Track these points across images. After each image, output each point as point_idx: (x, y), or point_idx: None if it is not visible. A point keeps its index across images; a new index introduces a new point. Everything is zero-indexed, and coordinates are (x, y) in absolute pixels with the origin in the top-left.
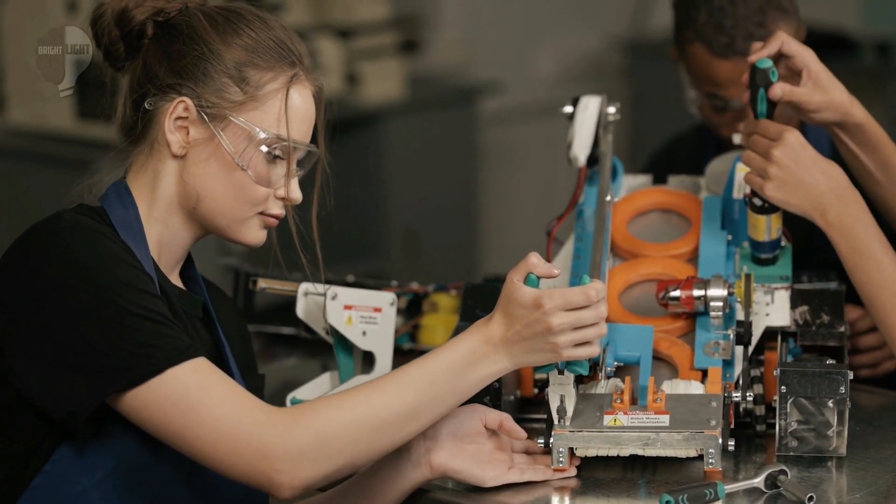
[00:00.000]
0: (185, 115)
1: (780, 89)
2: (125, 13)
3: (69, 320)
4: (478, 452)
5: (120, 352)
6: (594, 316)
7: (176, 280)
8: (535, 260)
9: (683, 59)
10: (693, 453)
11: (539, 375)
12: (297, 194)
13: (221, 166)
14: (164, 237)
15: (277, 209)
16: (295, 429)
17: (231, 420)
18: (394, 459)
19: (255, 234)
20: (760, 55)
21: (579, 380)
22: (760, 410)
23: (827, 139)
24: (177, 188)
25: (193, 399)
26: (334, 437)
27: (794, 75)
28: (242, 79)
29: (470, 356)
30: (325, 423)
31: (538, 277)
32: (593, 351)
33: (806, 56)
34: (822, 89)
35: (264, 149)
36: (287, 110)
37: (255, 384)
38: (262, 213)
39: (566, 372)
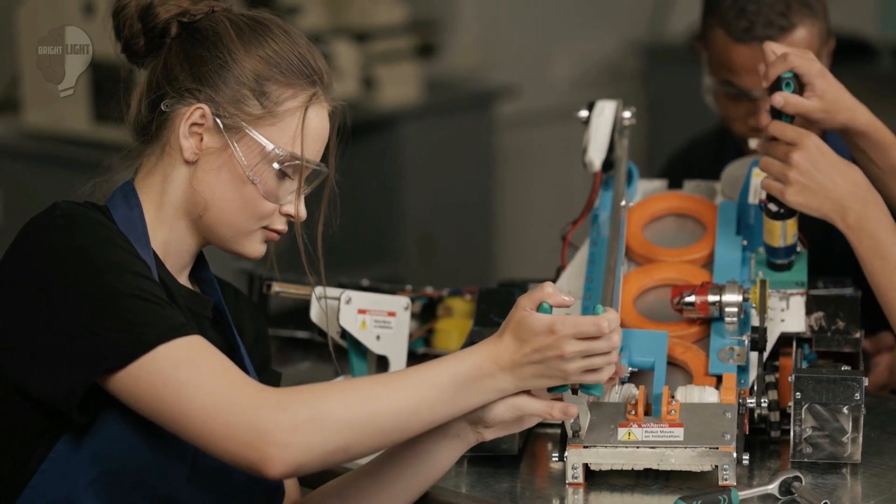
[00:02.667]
0: (201, 123)
1: (781, 98)
2: (150, 9)
3: (61, 302)
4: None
5: (111, 331)
6: (606, 346)
7: (185, 282)
8: (550, 290)
9: (705, 46)
10: (708, 468)
11: None
12: (304, 212)
13: (232, 177)
14: (170, 241)
15: (281, 225)
16: (289, 404)
17: (222, 396)
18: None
19: (255, 248)
20: (772, 76)
21: None
22: (775, 416)
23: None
24: (185, 194)
25: (184, 375)
26: (330, 415)
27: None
28: (263, 93)
29: (476, 371)
30: (321, 401)
31: (551, 306)
32: (601, 377)
33: (810, 72)
34: (826, 102)
35: (276, 165)
36: (303, 130)
37: (270, 382)
38: (265, 228)
39: (580, 392)
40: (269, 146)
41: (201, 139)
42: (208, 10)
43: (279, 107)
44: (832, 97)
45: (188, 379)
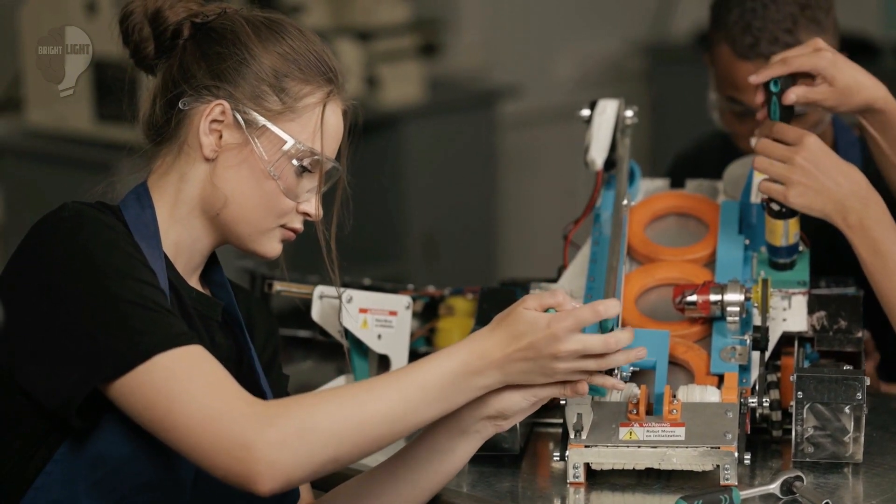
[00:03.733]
0: (221, 119)
1: (793, 94)
2: (158, 14)
3: (63, 306)
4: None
5: (110, 338)
6: (601, 346)
7: (195, 284)
8: (561, 298)
9: (712, 60)
10: (709, 468)
11: None
12: (320, 210)
13: (252, 174)
14: (182, 241)
15: (298, 223)
16: (276, 418)
17: (212, 409)
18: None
19: (272, 247)
20: (762, 77)
21: None
22: (777, 416)
23: (859, 154)
24: (202, 192)
25: (177, 387)
26: (317, 428)
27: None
28: (282, 89)
29: (462, 368)
30: (308, 414)
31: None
32: (591, 380)
33: (817, 64)
34: (839, 87)
35: (295, 162)
36: (322, 126)
37: (278, 385)
38: (282, 226)
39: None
40: (291, 141)
41: (220, 136)
42: (220, 10)
43: (298, 103)
44: (845, 82)
45: (180, 391)
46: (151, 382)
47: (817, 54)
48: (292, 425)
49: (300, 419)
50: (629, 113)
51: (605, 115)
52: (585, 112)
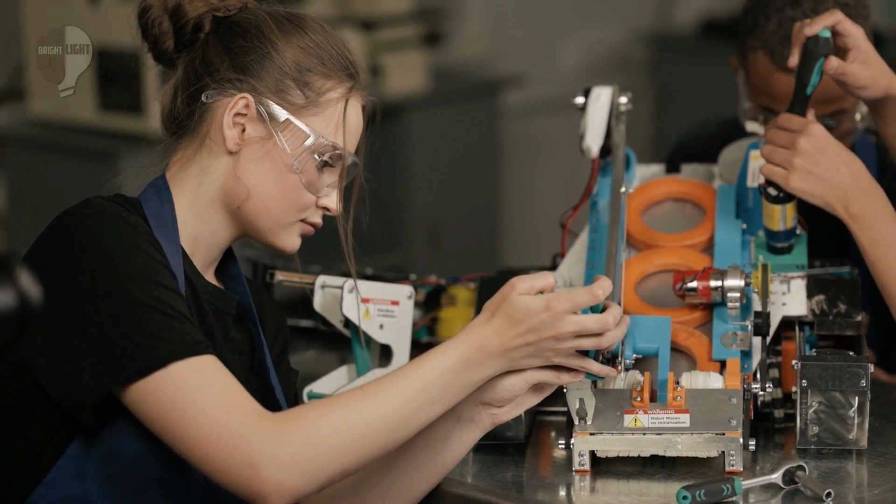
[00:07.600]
0: (245, 112)
1: (835, 62)
2: (179, 8)
3: (82, 305)
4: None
5: (127, 341)
6: (597, 325)
7: (211, 278)
8: (552, 280)
9: (744, 67)
10: (714, 454)
11: None
12: (340, 205)
13: (275, 167)
14: (201, 234)
15: (317, 218)
16: (283, 436)
17: (221, 423)
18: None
19: (292, 241)
20: (816, 28)
21: None
22: (777, 394)
23: (875, 159)
24: (224, 185)
25: (190, 398)
26: (324, 444)
27: (840, 53)
28: (305, 83)
29: (462, 363)
30: (314, 431)
31: None
32: (588, 366)
33: (857, 34)
34: (869, 66)
35: (317, 156)
36: (345, 121)
37: (287, 380)
38: (302, 221)
39: (584, 377)
40: (314, 135)
41: (243, 129)
42: (241, 5)
43: (321, 97)
44: (873, 58)
45: (193, 401)
46: (164, 390)
47: (855, 25)
48: (299, 443)
49: (307, 435)
50: (623, 99)
51: (600, 103)
52: (580, 100)
